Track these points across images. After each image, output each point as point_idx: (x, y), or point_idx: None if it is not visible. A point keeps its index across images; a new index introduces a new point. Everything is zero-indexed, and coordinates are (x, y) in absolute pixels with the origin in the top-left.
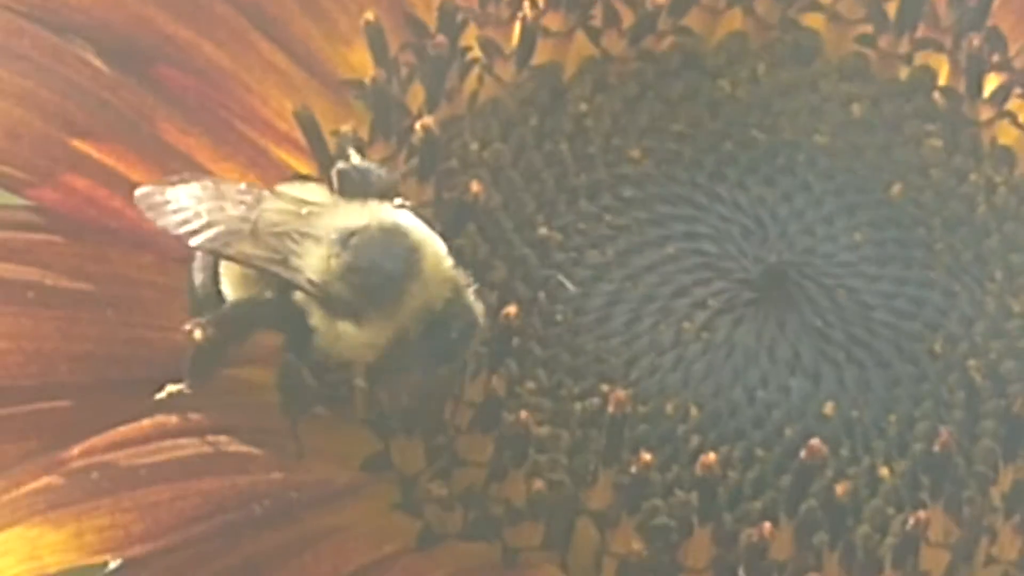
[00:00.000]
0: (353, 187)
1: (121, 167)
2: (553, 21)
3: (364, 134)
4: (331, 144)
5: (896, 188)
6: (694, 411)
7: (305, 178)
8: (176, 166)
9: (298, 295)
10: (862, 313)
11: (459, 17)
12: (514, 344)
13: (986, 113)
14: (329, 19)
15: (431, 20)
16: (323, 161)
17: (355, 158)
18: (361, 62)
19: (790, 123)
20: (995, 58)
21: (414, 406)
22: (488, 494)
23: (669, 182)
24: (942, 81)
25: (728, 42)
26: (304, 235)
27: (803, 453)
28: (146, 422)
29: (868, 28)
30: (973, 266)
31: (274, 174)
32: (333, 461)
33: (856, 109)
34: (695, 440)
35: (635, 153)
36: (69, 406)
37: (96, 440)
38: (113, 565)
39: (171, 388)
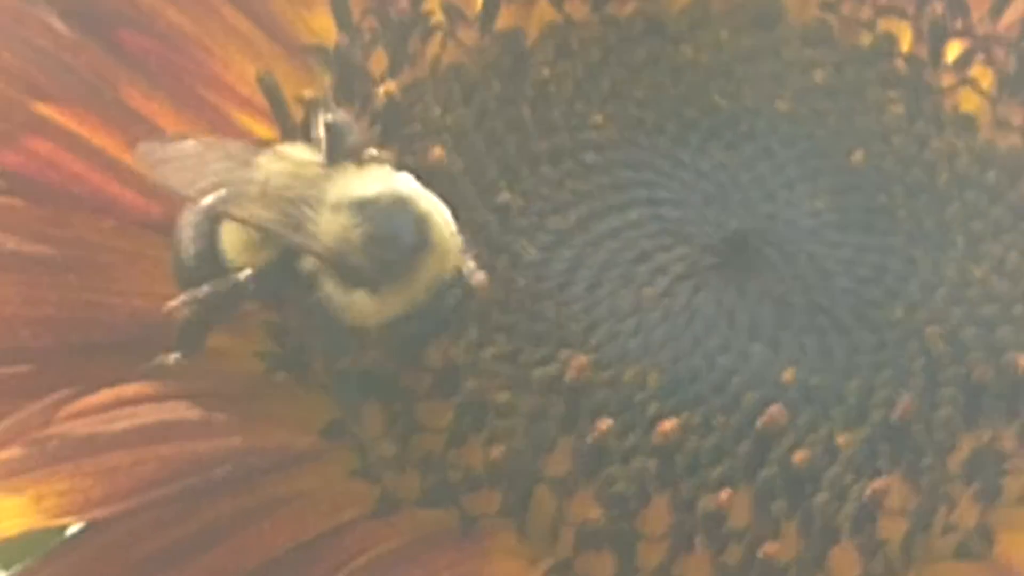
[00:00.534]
0: (339, 142)
1: (83, 131)
2: None
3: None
4: (293, 109)
5: (858, 154)
6: (653, 378)
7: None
8: (139, 130)
9: (307, 263)
10: (823, 280)
11: None
12: (474, 308)
13: (948, 80)
14: None
15: None
16: (285, 126)
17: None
18: (324, 27)
19: (752, 89)
20: (957, 25)
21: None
22: (447, 460)
23: (631, 147)
24: (904, 48)
25: (691, 8)
26: (318, 202)
27: (762, 420)
28: (104, 392)
29: None
30: (934, 233)
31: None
32: (292, 427)
33: (818, 75)
34: (654, 407)
35: (597, 118)
36: (30, 370)
37: (55, 412)
38: (73, 529)
39: (163, 358)
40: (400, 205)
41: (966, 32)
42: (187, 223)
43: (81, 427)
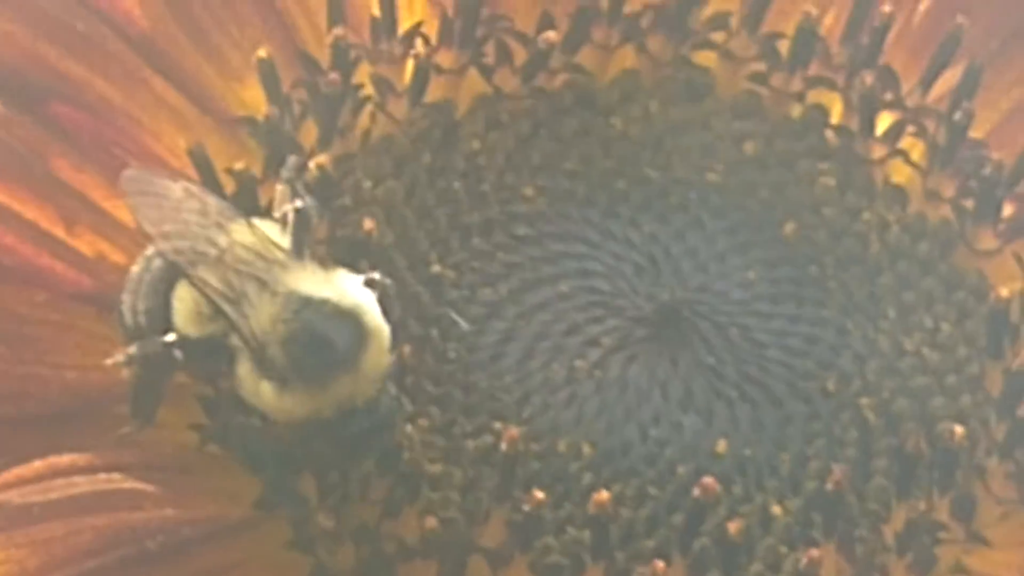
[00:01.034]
0: (304, 230)
1: (14, 204)
2: (445, 58)
3: (257, 171)
4: (224, 181)
5: (789, 226)
6: (587, 449)
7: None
8: (70, 204)
9: (235, 339)
10: (755, 351)
11: (352, 54)
12: (407, 382)
13: (879, 151)
14: (222, 56)
15: (324, 57)
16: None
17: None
18: (254, 99)
19: (683, 161)
20: (888, 96)
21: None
22: (381, 531)
23: (562, 220)
24: (835, 119)
25: (621, 80)
26: (264, 285)
27: (696, 491)
28: (38, 463)
29: (760, 66)
30: (866, 304)
31: None
32: (226, 499)
33: (749, 147)
34: (588, 478)
35: (528, 191)
36: None
37: None
38: None
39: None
40: (341, 318)
41: (896, 104)
42: (142, 275)
43: (15, 497)
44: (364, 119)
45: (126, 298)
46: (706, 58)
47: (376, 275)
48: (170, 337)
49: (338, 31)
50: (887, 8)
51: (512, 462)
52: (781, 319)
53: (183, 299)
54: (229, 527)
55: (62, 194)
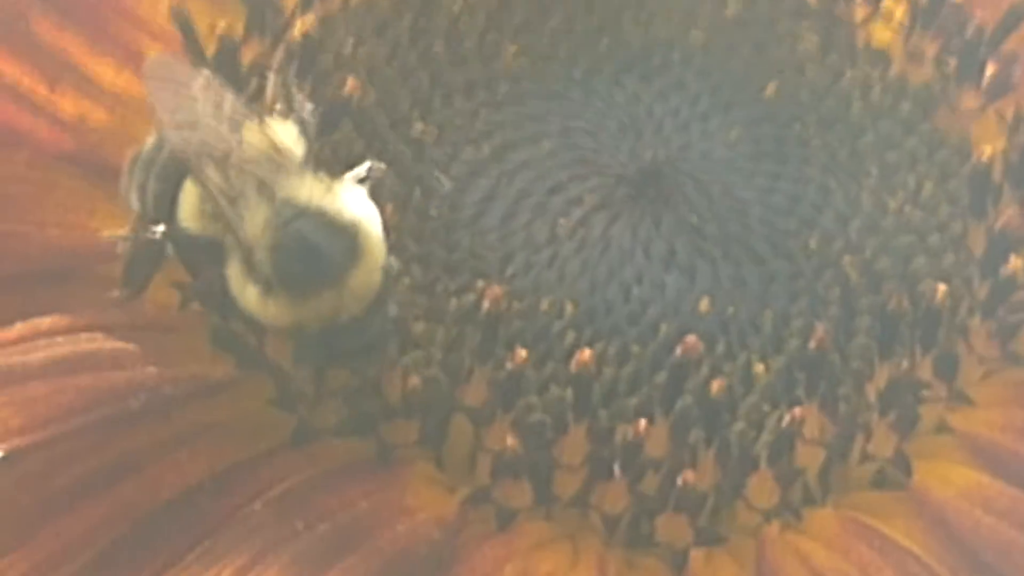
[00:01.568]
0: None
1: None
2: None
3: (239, 32)
4: (206, 42)
5: (772, 86)
6: (570, 308)
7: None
8: (52, 63)
9: (229, 239)
10: (737, 210)
11: None
12: (390, 240)
13: (861, 13)
14: None
15: None
16: (198, 59)
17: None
18: None
19: (665, 21)
20: None
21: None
22: (363, 390)
23: (544, 79)
24: None
25: None
26: (264, 188)
27: (679, 350)
28: (19, 324)
29: None
30: (849, 164)
31: None
32: (208, 358)
33: (731, 7)
34: (570, 337)
35: (510, 50)
36: None
37: None
38: None
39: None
40: (333, 232)
41: None
42: (155, 154)
43: None
44: None
45: (138, 173)
46: None
47: (377, 164)
48: (166, 228)
49: None
50: None
51: (495, 321)
52: (763, 178)
53: (190, 192)
54: (211, 386)
55: (43, 54)
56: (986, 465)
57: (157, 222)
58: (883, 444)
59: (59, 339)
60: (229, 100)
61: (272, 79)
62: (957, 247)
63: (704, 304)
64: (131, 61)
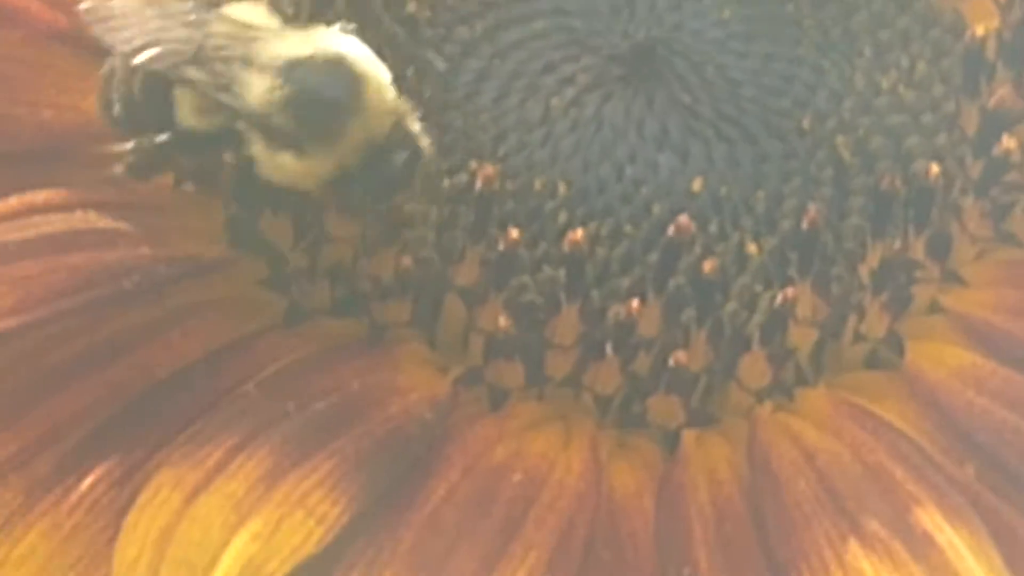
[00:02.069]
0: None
1: None
2: None
3: None
4: None
5: None
6: (562, 187)
7: None
8: None
9: (240, 124)
10: (730, 89)
11: None
12: None
13: None
14: None
15: None
16: None
17: None
18: None
19: None
20: None
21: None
22: (356, 270)
23: None
24: None
25: None
26: (249, 62)
27: (671, 230)
28: (13, 199)
29: None
30: (842, 43)
31: None
32: (201, 238)
33: None
34: (563, 216)
35: None
36: None
37: None
38: None
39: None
40: (332, 65)
41: None
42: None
43: None
44: None
45: (121, 88)
46: None
47: (346, 25)
48: (171, 133)
49: None
50: None
51: (487, 200)
52: (756, 58)
53: (182, 96)
54: (204, 266)
55: None
56: (978, 345)
57: (158, 130)
58: (876, 324)
59: (52, 216)
60: (173, 5)
61: None
62: (950, 126)
63: (697, 184)
64: None
